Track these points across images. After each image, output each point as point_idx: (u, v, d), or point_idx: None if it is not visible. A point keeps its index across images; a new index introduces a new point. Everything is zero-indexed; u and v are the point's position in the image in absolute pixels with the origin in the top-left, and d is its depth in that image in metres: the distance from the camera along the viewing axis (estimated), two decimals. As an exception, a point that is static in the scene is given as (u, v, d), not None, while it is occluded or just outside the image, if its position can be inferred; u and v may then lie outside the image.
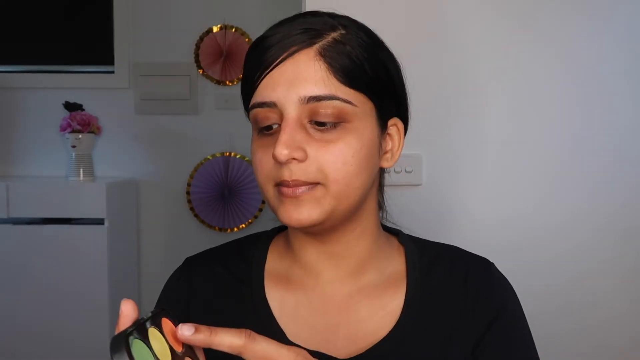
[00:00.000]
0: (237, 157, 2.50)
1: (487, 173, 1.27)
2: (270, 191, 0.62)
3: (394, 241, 0.74)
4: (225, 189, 2.50)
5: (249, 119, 0.65)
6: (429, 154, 1.26)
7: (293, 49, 0.60)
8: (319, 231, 0.65)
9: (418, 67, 1.22)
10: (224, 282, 0.71)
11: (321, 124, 0.60)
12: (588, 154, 1.27)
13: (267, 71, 0.61)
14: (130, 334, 0.44)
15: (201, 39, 2.48)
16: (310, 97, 0.59)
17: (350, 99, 0.61)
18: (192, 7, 2.47)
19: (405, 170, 1.25)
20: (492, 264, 0.73)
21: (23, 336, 2.06)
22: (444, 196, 1.27)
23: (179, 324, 0.47)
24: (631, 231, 1.27)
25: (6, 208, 2.05)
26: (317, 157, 0.59)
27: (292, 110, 0.60)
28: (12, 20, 2.53)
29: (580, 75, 1.26)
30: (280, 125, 0.61)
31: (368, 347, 0.65)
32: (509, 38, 1.25)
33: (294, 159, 0.59)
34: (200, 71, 2.48)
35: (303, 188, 0.60)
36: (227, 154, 2.50)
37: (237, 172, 2.50)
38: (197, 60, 2.48)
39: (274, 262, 0.72)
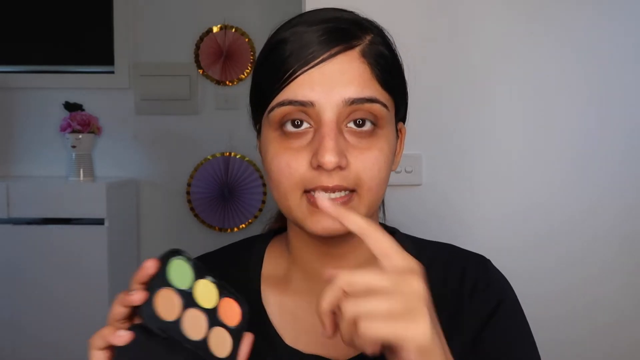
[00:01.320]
0: (237, 157, 2.50)
1: (488, 173, 1.27)
2: (296, 199, 0.59)
3: None
4: (225, 189, 2.50)
5: (262, 117, 0.63)
6: (429, 154, 1.26)
7: (336, 49, 0.58)
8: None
9: (418, 67, 1.22)
10: None
11: (360, 128, 0.58)
12: (590, 155, 1.26)
13: (305, 69, 0.57)
14: (180, 253, 0.49)
15: (201, 39, 2.48)
16: (355, 99, 0.57)
17: (386, 103, 0.60)
18: (192, 7, 2.47)
19: (405, 170, 1.25)
20: (489, 260, 0.73)
21: (23, 336, 2.06)
22: (444, 196, 1.27)
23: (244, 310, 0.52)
24: (635, 234, 1.27)
25: (6, 208, 2.05)
26: (356, 164, 0.58)
27: (332, 112, 0.57)
28: (12, 20, 2.53)
29: (585, 75, 1.24)
30: (312, 126, 0.58)
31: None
32: (512, 38, 1.25)
33: (338, 166, 0.56)
34: (200, 71, 2.48)
35: (341, 200, 0.58)
36: (227, 154, 2.50)
37: (237, 172, 2.50)
38: (197, 60, 2.48)
39: (271, 266, 0.71)
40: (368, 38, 0.61)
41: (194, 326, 0.48)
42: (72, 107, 2.33)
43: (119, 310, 0.48)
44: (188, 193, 2.50)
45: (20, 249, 2.06)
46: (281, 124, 0.59)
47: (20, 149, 2.49)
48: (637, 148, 1.26)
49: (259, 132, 0.66)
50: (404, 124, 0.70)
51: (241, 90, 2.46)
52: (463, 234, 1.25)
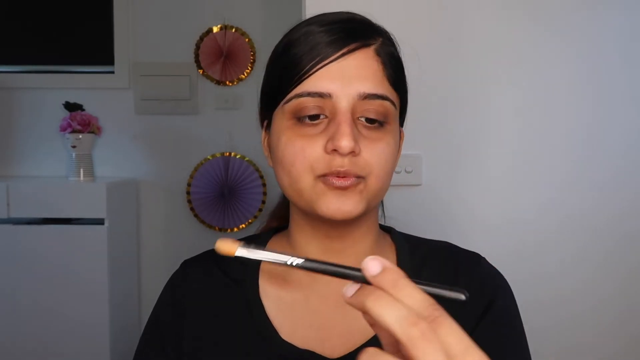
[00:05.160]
0: (237, 157, 2.50)
1: (488, 173, 1.27)
2: (308, 182, 0.61)
3: (388, 239, 0.75)
4: (225, 189, 2.50)
5: (274, 112, 0.65)
6: (428, 154, 1.26)
7: (354, 45, 0.62)
8: (343, 226, 0.65)
9: (417, 67, 1.22)
10: (219, 282, 0.71)
11: (371, 121, 0.62)
12: (591, 155, 1.26)
13: (325, 63, 0.61)
14: None
15: (201, 39, 2.47)
16: (369, 94, 0.61)
17: (394, 101, 0.64)
18: (192, 7, 2.47)
19: (405, 171, 1.25)
20: (483, 257, 0.73)
21: (23, 336, 2.06)
22: (444, 196, 1.27)
23: None
24: (633, 234, 1.27)
25: (6, 208, 2.05)
26: (366, 152, 0.61)
27: (348, 103, 0.60)
28: (12, 21, 2.53)
29: (585, 76, 1.25)
30: (328, 117, 0.61)
31: (359, 345, 0.65)
32: (511, 37, 1.25)
33: (352, 151, 0.59)
34: (200, 71, 2.48)
35: (351, 180, 0.60)
36: (227, 154, 2.50)
37: (237, 172, 2.50)
38: (197, 60, 2.48)
39: None
40: (380, 39, 0.65)
41: None
42: (72, 107, 2.33)
43: None
44: (188, 193, 2.50)
45: (20, 249, 2.06)
46: (297, 115, 0.62)
47: (20, 149, 2.49)
48: (636, 149, 1.26)
49: (267, 126, 0.68)
50: (402, 127, 0.72)
51: (241, 90, 2.46)
52: (462, 234, 1.25)
